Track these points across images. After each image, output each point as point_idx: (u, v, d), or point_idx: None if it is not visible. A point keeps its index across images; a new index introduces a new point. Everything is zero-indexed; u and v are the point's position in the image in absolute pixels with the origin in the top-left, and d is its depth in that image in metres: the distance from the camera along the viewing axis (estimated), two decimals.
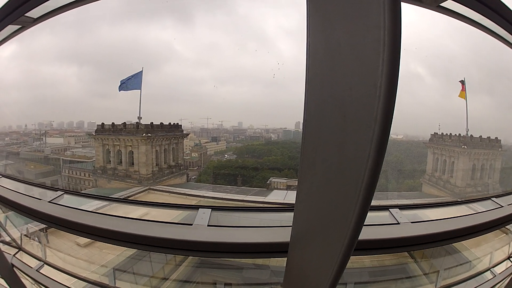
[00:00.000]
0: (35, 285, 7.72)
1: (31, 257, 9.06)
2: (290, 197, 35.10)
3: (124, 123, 40.65)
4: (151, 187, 38.89)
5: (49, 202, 5.38)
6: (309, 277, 2.56)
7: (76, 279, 9.04)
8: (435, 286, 12.39)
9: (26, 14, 6.17)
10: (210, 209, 4.96)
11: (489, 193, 38.19)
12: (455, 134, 41.84)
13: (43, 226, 10.62)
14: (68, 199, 5.94)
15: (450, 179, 41.06)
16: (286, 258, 2.97)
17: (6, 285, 7.18)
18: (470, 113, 41.30)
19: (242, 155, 64.91)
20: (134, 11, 63.74)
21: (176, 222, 4.54)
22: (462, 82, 41.75)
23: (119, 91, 41.03)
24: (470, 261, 12.49)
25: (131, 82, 40.61)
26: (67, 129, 61.23)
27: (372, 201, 1.69)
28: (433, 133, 44.29)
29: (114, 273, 12.78)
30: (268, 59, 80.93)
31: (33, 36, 51.92)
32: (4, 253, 7.18)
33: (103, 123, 41.54)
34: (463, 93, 41.56)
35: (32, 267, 8.00)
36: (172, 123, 44.45)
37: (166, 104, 71.68)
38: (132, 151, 40.27)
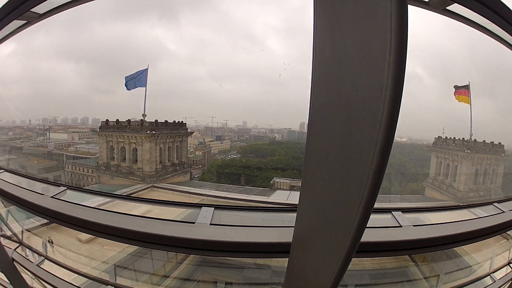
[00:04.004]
0: (35, 280, 7.72)
1: (32, 252, 9.08)
2: (293, 197, 35.13)
3: (129, 120, 40.72)
4: (154, 185, 38.96)
5: (51, 197, 5.38)
6: (310, 278, 2.56)
7: (77, 275, 9.05)
8: None
9: (31, 10, 6.17)
10: (213, 208, 4.95)
11: (491, 198, 38.14)
12: (459, 138, 41.78)
13: (45, 221, 10.62)
14: (71, 195, 5.93)
15: (453, 183, 41.03)
16: (287, 259, 2.96)
17: (6, 279, 7.19)
18: (474, 117, 41.31)
19: (246, 155, 65.08)
20: (139, 8, 63.96)
21: (178, 220, 4.53)
22: (466, 87, 41.69)
23: (128, 89, 41.14)
24: (471, 266, 12.46)
25: (138, 80, 40.67)
26: (71, 125, 61.50)
27: (375, 203, 1.69)
28: (437, 137, 44.25)
29: (115, 270, 12.79)
30: (274, 59, 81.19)
31: (39, 32, 52.19)
32: (5, 247, 7.19)
33: (107, 120, 41.64)
34: (467, 98, 41.49)
35: (32, 262, 8.01)
36: (176, 121, 44.52)
37: (171, 102, 72.05)
38: (136, 148, 40.34)
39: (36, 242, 11.25)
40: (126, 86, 41.11)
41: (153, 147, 40.25)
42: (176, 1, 69.18)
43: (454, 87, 42.32)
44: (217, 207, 5.04)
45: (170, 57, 73.60)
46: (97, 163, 43.54)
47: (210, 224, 4.43)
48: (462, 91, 41.72)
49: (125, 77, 41.29)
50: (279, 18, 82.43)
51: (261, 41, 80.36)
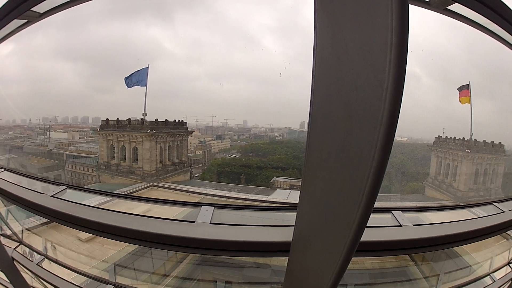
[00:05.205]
0: (35, 279, 7.72)
1: (32, 251, 9.08)
2: (293, 196, 35.10)
3: (129, 119, 40.68)
4: (155, 184, 38.93)
5: (51, 196, 5.37)
6: (310, 277, 2.56)
7: (77, 274, 9.05)
8: None
9: (32, 9, 6.16)
10: (213, 207, 4.94)
11: (491, 198, 38.12)
12: (459, 138, 41.76)
13: (45, 220, 10.62)
14: (71, 194, 5.92)
15: (453, 183, 41.01)
16: (287, 258, 2.96)
17: (6, 278, 7.19)
18: (475, 117, 41.30)
19: (246, 154, 65.00)
20: (139, 8, 63.98)
21: (178, 219, 4.52)
22: (467, 86, 41.68)
23: (128, 88, 41.14)
24: (470, 266, 12.46)
25: (138, 79, 40.65)
26: (71, 124, 61.45)
27: (375, 202, 1.69)
28: (437, 136, 44.23)
29: (115, 269, 12.79)
30: (274, 58, 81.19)
31: (39, 31, 52.20)
32: (5, 246, 7.18)
33: (107, 119, 41.62)
34: (467, 98, 41.48)
35: (32, 261, 8.00)
36: (177, 120, 44.49)
37: (172, 102, 72.10)
38: (136, 147, 40.31)
39: (36, 241, 11.26)
40: (126, 85, 41.12)
41: (153, 146, 40.22)
42: (177, 1, 69.15)
43: (457, 89, 42.33)
44: (217, 206, 5.03)
45: (171, 57, 73.60)
46: (97, 162, 43.53)
47: (210, 223, 4.42)
48: (464, 91, 41.72)
49: (125, 78, 41.31)
50: (279, 18, 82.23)
51: (261, 41, 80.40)
